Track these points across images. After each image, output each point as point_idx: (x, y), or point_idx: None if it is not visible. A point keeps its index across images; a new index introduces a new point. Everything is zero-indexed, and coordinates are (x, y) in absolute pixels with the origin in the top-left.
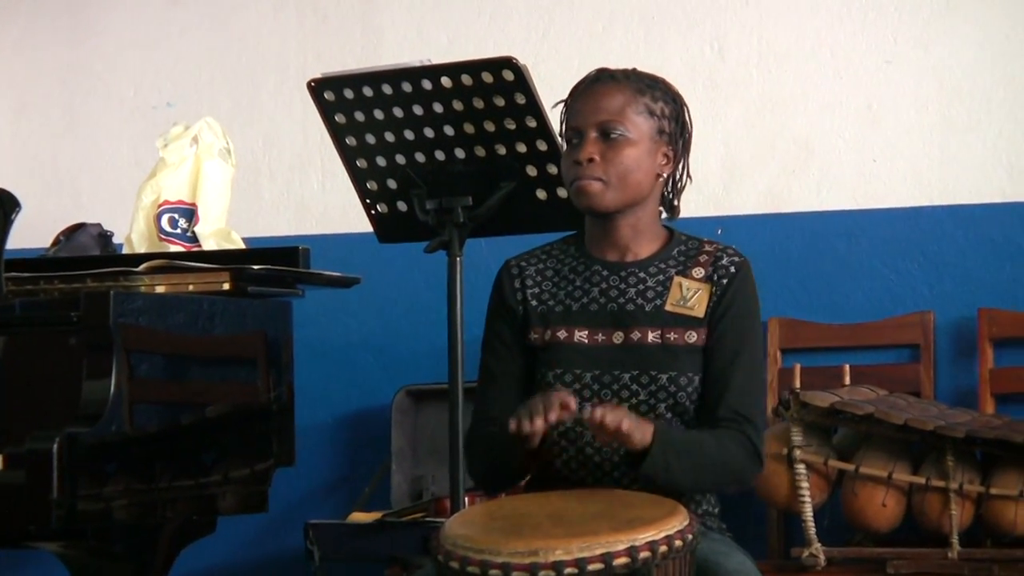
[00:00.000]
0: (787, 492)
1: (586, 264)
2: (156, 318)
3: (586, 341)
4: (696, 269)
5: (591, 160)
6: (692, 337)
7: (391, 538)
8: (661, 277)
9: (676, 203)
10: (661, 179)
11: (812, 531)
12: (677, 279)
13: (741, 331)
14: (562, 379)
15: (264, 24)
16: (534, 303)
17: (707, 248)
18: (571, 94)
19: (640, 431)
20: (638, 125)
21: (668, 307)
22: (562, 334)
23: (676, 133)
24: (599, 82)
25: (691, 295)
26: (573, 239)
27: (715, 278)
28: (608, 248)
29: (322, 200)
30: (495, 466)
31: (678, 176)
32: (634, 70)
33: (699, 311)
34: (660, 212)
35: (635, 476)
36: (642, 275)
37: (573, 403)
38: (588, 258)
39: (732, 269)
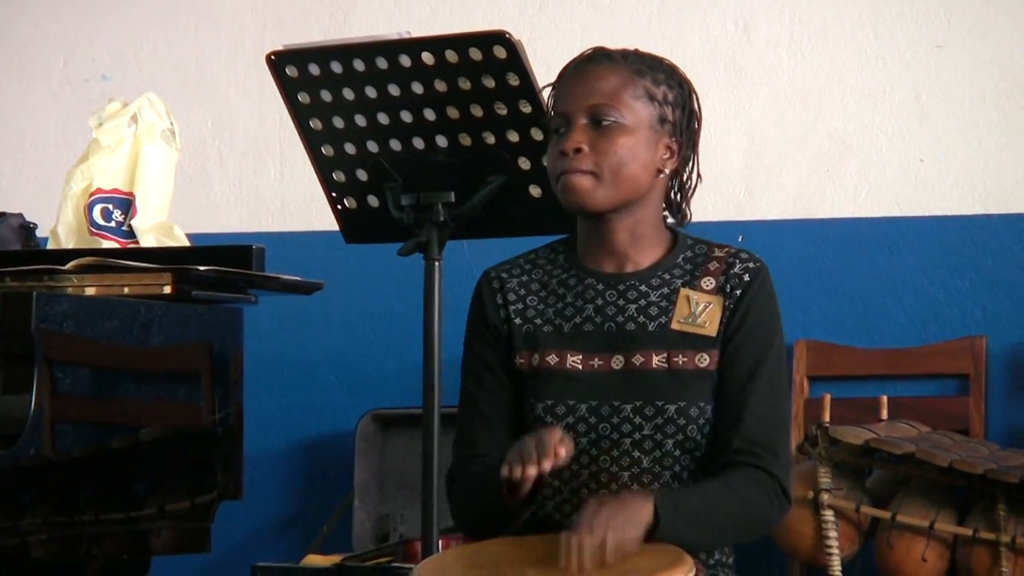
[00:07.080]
0: (812, 542)
1: (578, 277)
2: (85, 324)
3: (580, 367)
4: (706, 279)
5: (579, 150)
6: (703, 360)
7: None
8: (666, 290)
9: (685, 207)
10: (663, 176)
11: None
12: (684, 292)
13: (757, 347)
14: (553, 412)
15: None
16: (518, 321)
17: (717, 253)
18: (559, 76)
19: (635, 521)
20: (635, 111)
21: (674, 325)
22: (552, 359)
23: (682, 123)
24: (592, 62)
25: (701, 310)
26: (561, 245)
27: (727, 289)
28: (603, 257)
29: (280, 192)
30: (483, 511)
31: (686, 175)
32: (635, 51)
33: (711, 329)
34: (664, 216)
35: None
36: (643, 288)
37: (563, 451)
38: (580, 269)
39: (746, 277)
